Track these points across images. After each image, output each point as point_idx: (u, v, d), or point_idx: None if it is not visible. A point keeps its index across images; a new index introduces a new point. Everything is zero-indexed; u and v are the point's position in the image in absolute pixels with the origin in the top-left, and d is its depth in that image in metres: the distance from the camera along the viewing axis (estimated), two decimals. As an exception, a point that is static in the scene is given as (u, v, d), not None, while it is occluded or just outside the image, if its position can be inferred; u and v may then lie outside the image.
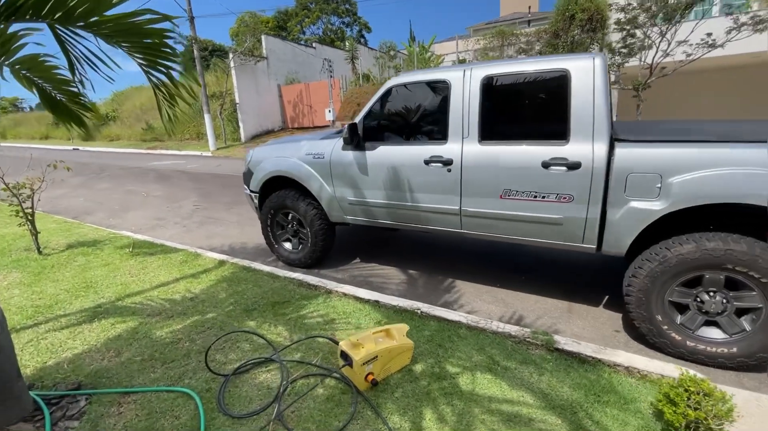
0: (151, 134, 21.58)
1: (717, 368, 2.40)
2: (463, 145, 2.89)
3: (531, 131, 2.76)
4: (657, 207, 2.35)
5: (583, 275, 3.69)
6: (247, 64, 17.10)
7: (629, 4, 10.98)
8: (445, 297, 3.35)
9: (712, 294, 2.36)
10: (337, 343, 2.37)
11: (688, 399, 1.66)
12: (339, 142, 3.48)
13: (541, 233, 2.80)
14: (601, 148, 2.46)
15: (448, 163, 2.93)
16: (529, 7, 37.40)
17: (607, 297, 3.27)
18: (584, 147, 2.51)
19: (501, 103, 2.85)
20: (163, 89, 2.07)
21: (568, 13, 14.10)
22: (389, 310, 2.89)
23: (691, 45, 10.52)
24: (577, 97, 2.52)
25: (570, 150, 2.55)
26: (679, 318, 2.47)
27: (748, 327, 2.30)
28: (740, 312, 2.34)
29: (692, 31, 10.26)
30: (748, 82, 13.71)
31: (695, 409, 1.63)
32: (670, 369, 2.16)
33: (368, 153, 3.30)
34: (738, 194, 2.13)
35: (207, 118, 16.38)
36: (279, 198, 3.89)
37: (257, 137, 17.97)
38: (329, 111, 15.10)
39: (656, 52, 10.80)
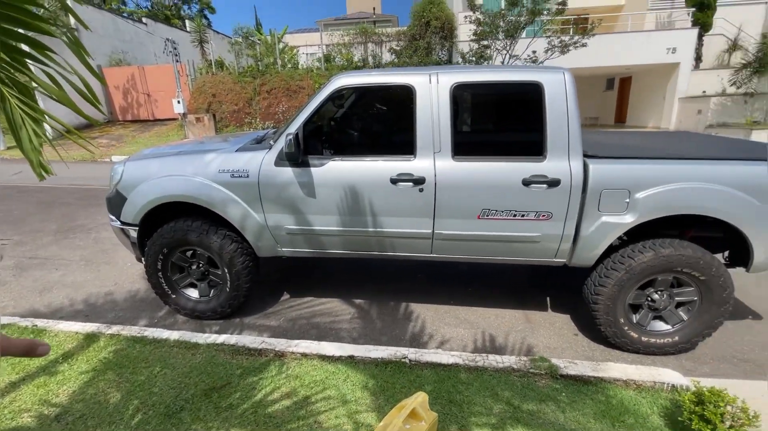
0: None
1: (663, 355, 2.71)
2: (436, 162, 2.53)
3: (506, 147, 2.59)
4: (626, 220, 2.47)
5: (520, 278, 3.84)
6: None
7: (477, 19, 12.41)
8: (410, 329, 2.98)
9: (660, 292, 2.63)
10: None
11: (722, 416, 1.73)
12: (268, 155, 2.68)
13: (517, 252, 2.69)
14: (577, 165, 2.46)
15: (419, 182, 2.53)
16: (374, 8, 39.42)
17: (549, 298, 3.45)
18: (561, 163, 2.46)
19: (474, 115, 2.61)
20: None
21: (424, 20, 15.16)
22: (370, 365, 2.36)
23: (521, 59, 12.56)
24: (552, 112, 2.45)
25: (548, 167, 2.47)
26: (634, 318, 2.70)
27: (685, 318, 2.65)
28: (678, 305, 2.69)
29: (527, 47, 12.24)
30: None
31: (731, 427, 1.71)
32: (657, 374, 2.30)
33: (314, 170, 2.63)
34: (694, 206, 2.38)
35: (-15, 105, 11.74)
36: (176, 232, 2.83)
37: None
38: (178, 101, 12.67)
39: (500, 62, 12.52)
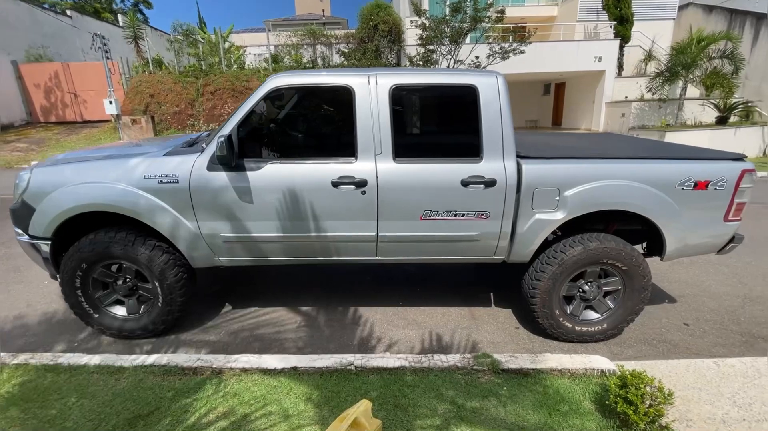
0: None
1: (595, 343, 2.89)
2: (377, 164, 2.52)
3: (445, 148, 2.64)
4: (557, 217, 2.61)
5: (462, 274, 3.93)
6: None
7: (423, 24, 12.70)
8: (358, 334, 2.94)
9: (590, 283, 2.81)
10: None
11: (642, 397, 1.86)
12: (200, 159, 2.52)
13: (459, 251, 2.75)
14: (511, 165, 2.55)
15: (361, 184, 2.50)
16: (323, 10, 39.14)
17: (492, 294, 3.57)
18: (497, 164, 2.55)
19: (413, 117, 2.62)
20: None
21: (372, 23, 15.26)
22: (315, 376, 2.28)
23: (465, 64, 13.04)
24: (486, 114, 2.53)
25: (485, 167, 2.54)
26: (568, 309, 2.86)
27: (612, 306, 2.85)
28: (605, 295, 2.89)
29: (470, 53, 12.72)
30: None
31: (650, 406, 1.84)
32: (588, 361, 2.44)
33: (251, 174, 2.50)
34: (617, 202, 2.56)
35: None
36: (96, 245, 2.57)
37: (-18, 136, 12.36)
38: (110, 102, 11.69)
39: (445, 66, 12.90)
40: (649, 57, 16.62)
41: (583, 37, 17.35)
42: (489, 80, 2.56)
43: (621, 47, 15.65)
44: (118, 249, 2.58)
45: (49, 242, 2.61)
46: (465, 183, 2.53)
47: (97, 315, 2.75)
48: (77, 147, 11.53)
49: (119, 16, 19.65)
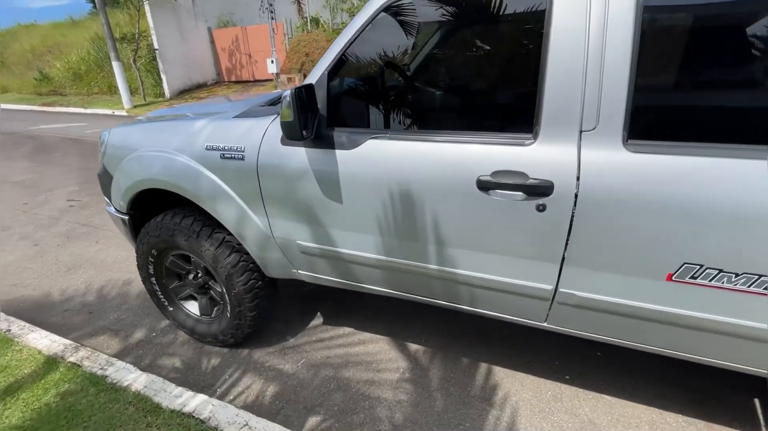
0: (48, 86, 17.41)
1: None
2: (581, 151, 1.20)
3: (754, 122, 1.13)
4: None
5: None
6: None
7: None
8: (490, 422, 1.80)
9: None
10: None
11: None
12: (273, 125, 1.64)
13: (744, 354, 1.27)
14: None
15: (539, 190, 1.24)
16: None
17: (757, 403, 1.90)
18: None
19: (684, 59, 1.17)
20: None
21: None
22: None
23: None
24: None
25: None
26: None
27: None
28: None
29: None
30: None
31: None
32: None
33: (341, 155, 1.51)
34: None
35: (116, 66, 13.01)
36: (163, 231, 2.02)
37: (186, 92, 14.90)
38: (272, 61, 12.44)
39: None
40: None
41: None
42: None
43: None
44: (183, 240, 1.98)
45: (128, 217, 2.20)
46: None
47: (171, 308, 2.30)
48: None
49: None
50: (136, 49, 14.04)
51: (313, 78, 1.51)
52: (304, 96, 1.35)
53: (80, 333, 2.41)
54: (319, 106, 1.50)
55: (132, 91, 13.80)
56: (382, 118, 1.70)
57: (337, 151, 1.51)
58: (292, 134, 1.39)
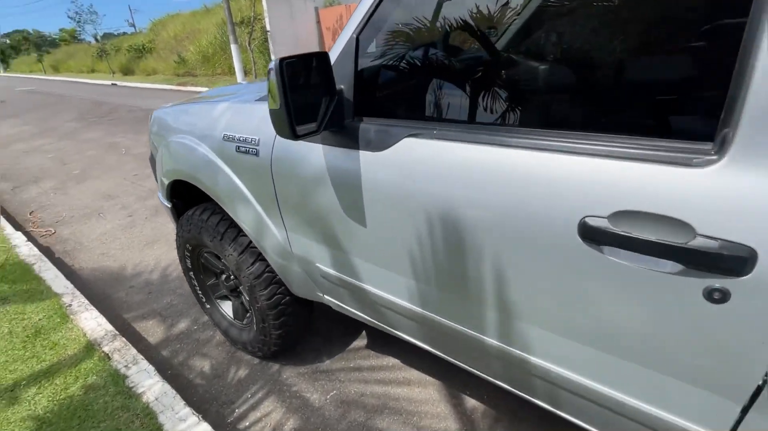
0: (184, 68, 19.97)
1: None
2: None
3: None
4: None
5: None
6: (278, -20, 14.31)
7: None
8: None
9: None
10: None
11: None
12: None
13: None
14: None
15: (714, 265, 0.62)
16: None
17: None
18: None
19: None
20: None
21: None
22: None
23: None
24: None
25: None
26: None
27: None
28: None
29: None
30: None
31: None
32: None
33: (365, 157, 1.05)
34: None
35: (234, 49, 14.19)
36: (193, 227, 1.82)
37: (291, 73, 15.68)
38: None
39: None
40: None
41: None
42: None
43: None
44: (209, 240, 1.75)
45: (170, 206, 2.07)
46: None
47: (208, 306, 2.15)
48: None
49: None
50: (251, 32, 15.11)
51: (337, 47, 1.06)
52: (301, 70, 0.92)
53: (134, 314, 2.44)
54: (342, 86, 1.05)
55: (246, 72, 15.00)
56: (425, 104, 1.18)
57: (362, 153, 1.05)
58: (280, 130, 0.97)
